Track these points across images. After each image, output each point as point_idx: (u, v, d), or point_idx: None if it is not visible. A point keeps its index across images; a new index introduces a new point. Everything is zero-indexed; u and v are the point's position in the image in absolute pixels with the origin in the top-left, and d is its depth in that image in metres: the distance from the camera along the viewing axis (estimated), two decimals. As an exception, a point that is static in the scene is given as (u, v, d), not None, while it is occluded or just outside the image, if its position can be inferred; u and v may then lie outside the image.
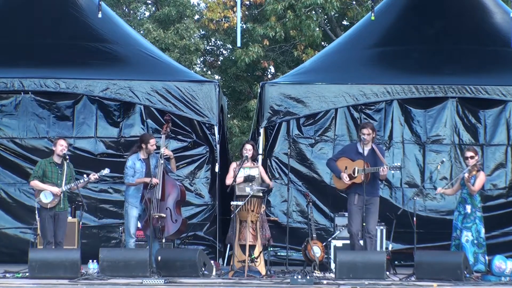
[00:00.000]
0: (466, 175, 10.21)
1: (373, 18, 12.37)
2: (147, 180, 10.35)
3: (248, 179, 10.45)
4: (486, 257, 10.15)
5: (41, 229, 10.32)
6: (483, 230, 10.24)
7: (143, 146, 10.61)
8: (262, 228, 10.52)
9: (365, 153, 10.13)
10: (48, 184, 10.15)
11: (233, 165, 10.78)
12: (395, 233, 11.17)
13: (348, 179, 10.18)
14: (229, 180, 10.55)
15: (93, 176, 10.23)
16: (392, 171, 10.25)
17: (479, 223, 10.23)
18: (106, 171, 10.35)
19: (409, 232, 10.51)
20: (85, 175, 10.37)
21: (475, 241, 10.16)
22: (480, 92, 12.10)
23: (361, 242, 10.17)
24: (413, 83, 12.12)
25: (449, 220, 10.84)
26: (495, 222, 12.34)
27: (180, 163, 12.29)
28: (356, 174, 10.17)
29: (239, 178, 10.44)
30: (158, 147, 10.62)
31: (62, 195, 10.15)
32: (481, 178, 10.32)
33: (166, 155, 10.52)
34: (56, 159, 10.27)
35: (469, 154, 10.42)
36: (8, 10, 12.74)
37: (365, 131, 10.22)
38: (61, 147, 10.20)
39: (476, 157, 10.38)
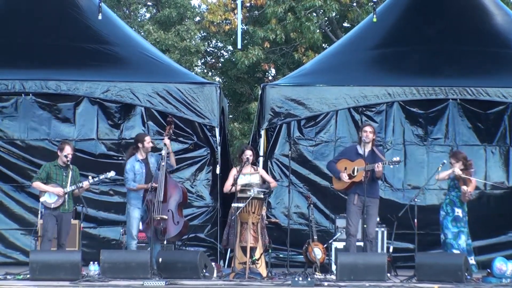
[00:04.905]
0: (468, 189, 10.10)
1: (375, 20, 12.34)
2: (148, 186, 10.34)
3: (247, 188, 10.41)
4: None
5: (43, 226, 10.34)
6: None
7: (140, 145, 10.59)
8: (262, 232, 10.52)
9: (365, 153, 10.14)
10: (52, 185, 10.16)
11: (233, 171, 10.74)
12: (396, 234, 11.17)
13: (347, 178, 10.18)
14: (226, 189, 10.58)
15: (85, 183, 10.25)
16: (391, 166, 10.20)
17: (467, 227, 10.28)
18: (112, 174, 10.36)
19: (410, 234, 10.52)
20: (86, 179, 10.38)
21: (467, 247, 10.20)
22: (481, 94, 12.10)
23: (360, 243, 10.18)
24: (414, 85, 12.12)
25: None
26: (495, 223, 12.35)
27: (181, 165, 12.30)
28: (355, 173, 10.17)
29: (237, 187, 10.38)
30: (158, 149, 10.59)
31: (66, 196, 10.17)
32: (472, 186, 10.27)
33: (167, 149, 10.47)
34: (61, 163, 10.29)
35: (451, 161, 10.36)
36: (8, 11, 12.71)
37: (367, 128, 10.25)
38: (66, 153, 10.19)
39: (458, 164, 10.24)
